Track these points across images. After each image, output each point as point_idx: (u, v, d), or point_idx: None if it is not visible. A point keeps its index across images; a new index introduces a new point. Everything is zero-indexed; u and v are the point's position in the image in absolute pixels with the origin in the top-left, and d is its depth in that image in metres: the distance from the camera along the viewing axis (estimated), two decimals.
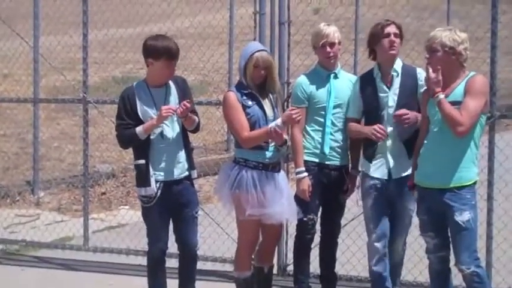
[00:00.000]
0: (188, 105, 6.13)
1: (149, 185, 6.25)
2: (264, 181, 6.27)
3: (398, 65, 6.35)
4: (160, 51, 6.20)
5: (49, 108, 14.66)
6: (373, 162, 6.36)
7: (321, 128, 6.54)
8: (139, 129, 6.20)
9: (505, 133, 10.02)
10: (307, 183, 6.47)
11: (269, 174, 6.32)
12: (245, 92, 6.30)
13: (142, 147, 6.27)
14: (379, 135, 6.20)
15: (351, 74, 6.93)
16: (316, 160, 6.55)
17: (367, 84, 6.41)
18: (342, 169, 6.64)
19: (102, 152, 12.68)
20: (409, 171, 6.21)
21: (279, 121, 6.13)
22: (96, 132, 12.98)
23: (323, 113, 6.54)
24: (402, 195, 6.32)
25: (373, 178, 6.37)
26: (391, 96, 6.30)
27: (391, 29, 6.25)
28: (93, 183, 11.14)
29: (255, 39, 7.37)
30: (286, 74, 7.53)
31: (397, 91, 6.32)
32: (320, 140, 6.54)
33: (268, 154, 6.33)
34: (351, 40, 14.55)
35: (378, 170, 6.35)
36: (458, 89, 5.76)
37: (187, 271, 6.62)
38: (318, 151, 6.55)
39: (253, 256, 6.79)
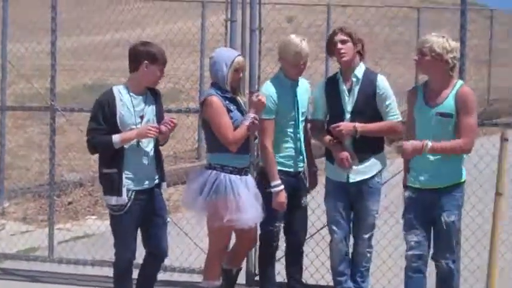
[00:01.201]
0: (175, 122, 6.22)
1: (120, 194, 6.19)
2: (240, 185, 6.34)
3: (359, 70, 6.52)
4: (157, 55, 6.24)
5: (16, 116, 14.55)
6: (334, 166, 6.56)
7: (286, 139, 6.57)
8: (116, 138, 6.13)
9: None
10: (284, 196, 6.48)
11: (243, 178, 6.39)
12: (227, 96, 6.40)
13: (115, 156, 6.20)
14: (343, 166, 6.47)
15: (304, 79, 6.90)
16: (282, 169, 6.55)
17: (332, 88, 6.59)
18: (301, 173, 6.73)
19: (70, 161, 12.59)
20: (367, 176, 6.50)
21: (250, 114, 6.31)
22: (65, 140, 12.89)
23: (290, 122, 6.57)
24: (363, 197, 6.54)
25: (333, 181, 6.62)
26: (349, 102, 6.49)
27: (338, 37, 6.45)
28: (60, 192, 11.07)
29: (226, 47, 7.33)
30: (257, 82, 7.47)
31: (355, 97, 6.50)
32: (286, 151, 6.57)
33: (246, 158, 6.45)
34: (322, 47, 14.55)
35: (337, 173, 6.56)
36: (448, 101, 5.97)
37: (152, 273, 6.57)
38: (283, 160, 6.56)
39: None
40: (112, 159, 6.22)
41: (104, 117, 6.18)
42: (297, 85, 6.62)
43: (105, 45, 13.01)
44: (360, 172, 6.48)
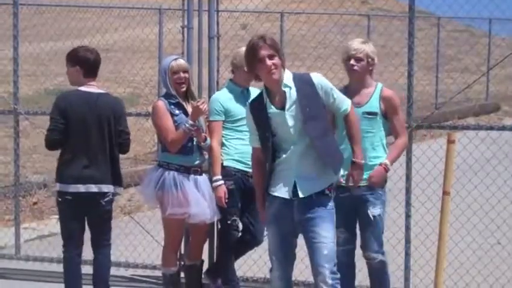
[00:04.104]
0: None
1: None
2: (185, 183, 6.71)
3: (288, 79, 5.64)
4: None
5: None
6: (275, 179, 5.73)
7: (242, 136, 6.85)
8: None
9: (421, 143, 10.34)
10: (223, 191, 6.75)
11: (191, 177, 6.76)
12: (173, 101, 6.74)
13: None
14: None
15: (255, 88, 7.07)
16: (237, 167, 6.86)
17: (259, 111, 5.76)
18: None
19: (34, 163, 12.72)
20: (318, 189, 5.62)
21: (189, 119, 6.58)
22: (28, 143, 13.01)
23: (243, 123, 6.74)
24: (310, 219, 5.63)
25: (275, 198, 5.74)
26: (289, 115, 5.62)
27: (265, 52, 5.55)
28: (25, 193, 11.16)
29: (183, 53, 7.60)
30: (216, 87, 7.73)
31: (295, 108, 5.63)
32: (241, 148, 6.84)
33: (190, 158, 6.77)
34: None
35: (280, 188, 5.71)
36: (372, 101, 6.38)
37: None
38: (238, 158, 6.86)
39: (178, 255, 7.20)
40: None
41: None
42: (248, 92, 6.95)
43: (65, 52, 13.14)
44: (312, 187, 5.67)
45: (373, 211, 6.32)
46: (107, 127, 6.56)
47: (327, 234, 5.57)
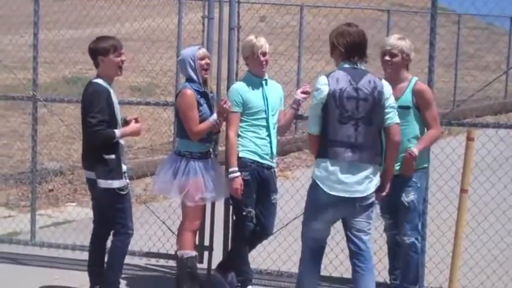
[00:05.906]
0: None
1: (121, 177, 6.64)
2: (208, 168, 6.91)
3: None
4: (107, 47, 6.64)
5: None
6: None
7: (257, 130, 6.87)
8: (117, 133, 6.60)
9: (439, 140, 10.29)
10: (239, 182, 6.77)
11: (207, 161, 6.94)
12: (199, 90, 6.84)
13: (113, 143, 6.60)
14: None
15: (274, 81, 7.25)
16: (253, 158, 6.85)
17: None
18: (272, 169, 7.00)
19: (50, 150, 12.76)
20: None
21: (214, 115, 6.81)
22: (45, 130, 13.05)
23: (260, 116, 6.87)
24: None
25: None
26: None
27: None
28: (41, 180, 11.21)
29: (202, 43, 7.61)
30: (235, 78, 7.73)
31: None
32: (256, 141, 6.85)
33: (205, 145, 6.95)
34: (297, 47, 14.84)
35: None
36: (406, 95, 6.60)
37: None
38: (254, 150, 6.85)
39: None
40: (111, 147, 6.59)
41: (110, 110, 6.58)
42: (266, 83, 6.98)
43: (85, 40, 13.17)
44: None
45: (406, 198, 6.60)
46: (83, 116, 6.64)
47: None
